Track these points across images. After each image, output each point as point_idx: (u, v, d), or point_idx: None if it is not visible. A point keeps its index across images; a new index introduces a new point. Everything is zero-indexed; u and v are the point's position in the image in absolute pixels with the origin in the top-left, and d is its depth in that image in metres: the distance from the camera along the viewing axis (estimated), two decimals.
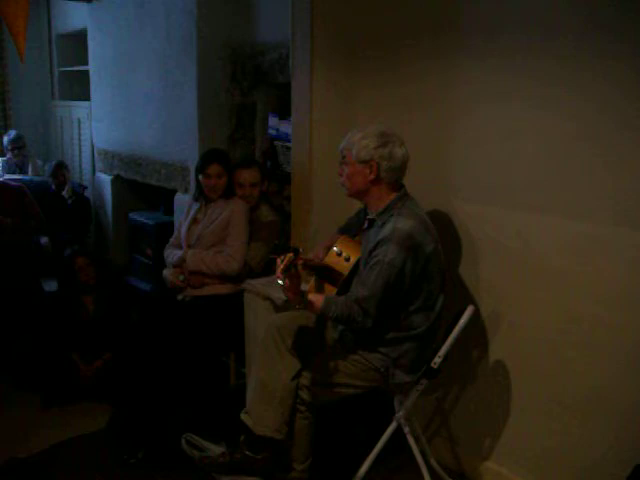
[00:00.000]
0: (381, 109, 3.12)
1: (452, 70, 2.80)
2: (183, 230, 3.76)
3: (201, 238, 3.65)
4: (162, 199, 5.19)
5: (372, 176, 2.51)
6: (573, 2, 2.39)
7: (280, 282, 2.39)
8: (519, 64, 2.55)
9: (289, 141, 3.65)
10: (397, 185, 2.58)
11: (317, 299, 2.50)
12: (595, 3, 2.33)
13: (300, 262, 2.46)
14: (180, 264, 3.64)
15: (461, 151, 2.83)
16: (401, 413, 2.64)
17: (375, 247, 2.46)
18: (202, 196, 3.74)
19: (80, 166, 6.44)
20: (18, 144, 6.07)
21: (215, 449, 2.92)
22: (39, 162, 6.31)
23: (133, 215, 5.41)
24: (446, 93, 2.84)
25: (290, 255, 2.38)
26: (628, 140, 2.28)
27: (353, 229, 2.87)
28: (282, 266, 2.36)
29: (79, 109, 6.35)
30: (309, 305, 2.50)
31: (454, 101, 2.82)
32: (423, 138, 2.91)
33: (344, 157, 2.57)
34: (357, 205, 2.86)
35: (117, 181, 5.72)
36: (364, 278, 2.46)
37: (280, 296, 3.00)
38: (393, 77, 3.06)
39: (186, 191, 4.59)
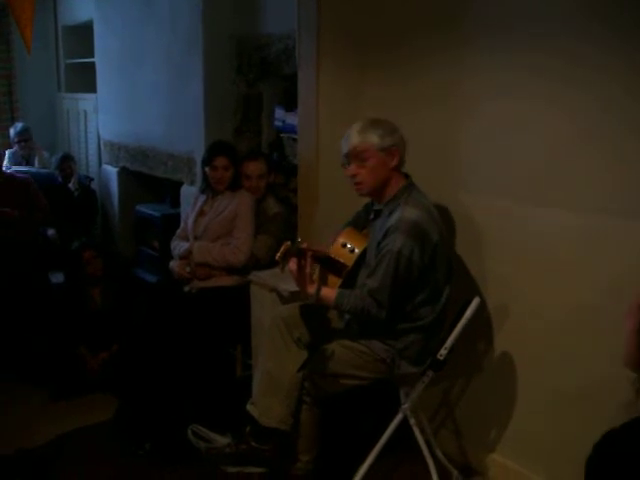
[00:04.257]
0: (387, 103, 3.11)
1: (458, 66, 2.79)
2: (190, 222, 3.77)
3: (208, 230, 3.65)
4: (168, 191, 5.19)
5: (395, 162, 2.52)
6: None
7: (278, 269, 2.40)
8: (524, 61, 2.54)
9: (295, 133, 3.64)
10: (402, 172, 2.60)
11: (330, 293, 2.51)
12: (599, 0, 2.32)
13: (310, 254, 2.47)
14: (187, 256, 3.65)
15: (468, 145, 2.82)
16: (407, 405, 2.64)
17: (383, 237, 2.47)
18: (209, 188, 3.75)
19: (86, 158, 6.44)
20: (25, 136, 6.08)
21: (221, 440, 2.92)
22: (45, 154, 6.31)
23: (139, 207, 5.42)
24: (452, 89, 2.83)
25: (287, 243, 2.39)
26: (631, 135, 2.28)
27: (360, 223, 2.87)
28: (279, 253, 2.37)
29: (85, 101, 6.35)
30: (322, 299, 2.51)
31: (460, 96, 2.81)
32: (430, 132, 2.90)
33: (359, 154, 2.52)
34: (364, 197, 2.85)
35: (123, 173, 5.73)
36: (374, 269, 2.46)
37: (287, 288, 3.01)
38: (399, 72, 3.05)
39: (192, 183, 4.59)
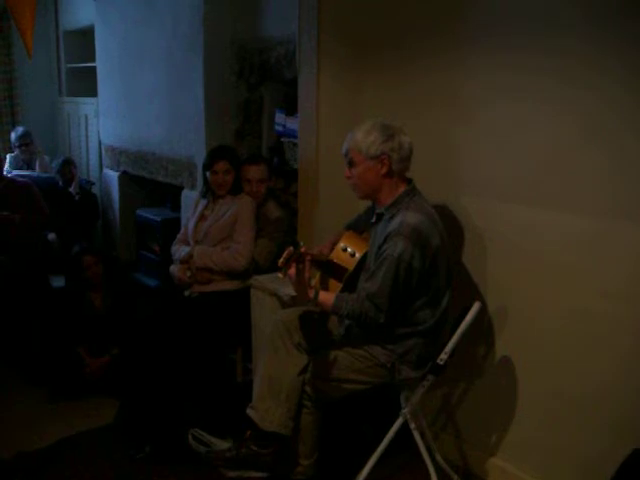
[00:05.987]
0: (388, 106, 3.12)
1: (459, 67, 2.80)
2: (190, 226, 3.77)
3: (208, 234, 3.65)
4: (169, 195, 5.20)
5: (384, 170, 2.52)
6: None
7: (279, 275, 2.39)
8: (524, 61, 2.55)
9: (296, 137, 3.65)
10: (405, 177, 2.59)
11: (328, 297, 2.51)
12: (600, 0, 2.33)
13: (308, 258, 2.47)
14: (187, 260, 3.65)
15: (469, 147, 2.83)
16: (407, 409, 2.64)
17: (384, 241, 2.46)
18: (209, 192, 3.75)
19: (87, 162, 6.45)
20: (25, 140, 6.08)
21: (221, 444, 2.92)
22: (46, 158, 6.31)
23: (140, 211, 5.42)
24: (454, 90, 2.84)
25: (290, 248, 2.39)
26: (632, 136, 2.28)
27: (360, 225, 2.87)
28: (282, 259, 2.37)
29: (86, 105, 6.37)
30: (320, 304, 2.51)
31: (462, 98, 2.81)
32: (431, 134, 2.90)
33: (351, 159, 2.56)
34: (364, 201, 2.85)
35: (124, 177, 5.73)
36: (373, 272, 2.46)
37: (287, 292, 3.01)
38: (400, 74, 3.06)
39: (193, 187, 4.59)
